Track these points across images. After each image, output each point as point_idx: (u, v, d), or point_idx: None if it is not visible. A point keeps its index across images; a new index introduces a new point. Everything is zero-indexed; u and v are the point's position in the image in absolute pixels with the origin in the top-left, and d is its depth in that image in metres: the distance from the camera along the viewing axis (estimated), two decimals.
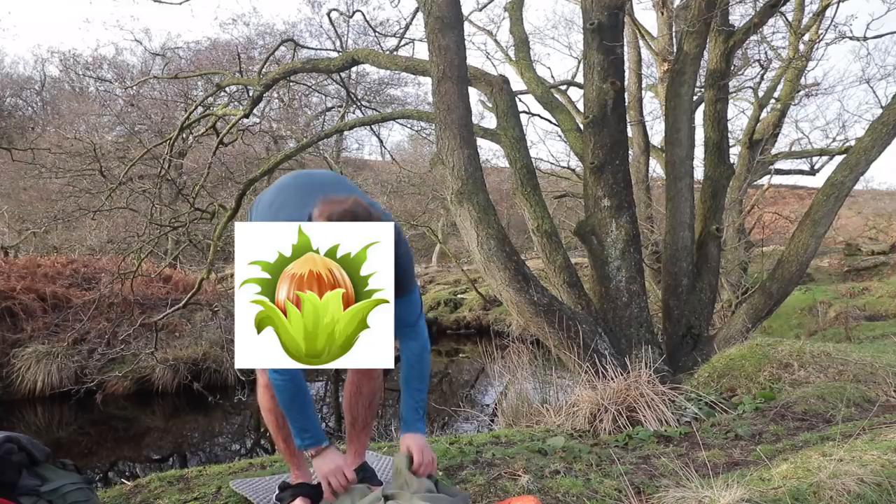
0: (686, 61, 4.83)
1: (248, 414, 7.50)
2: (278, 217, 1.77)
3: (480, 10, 11.92)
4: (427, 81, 9.48)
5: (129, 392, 7.88)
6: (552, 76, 22.63)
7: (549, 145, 54.38)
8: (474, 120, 4.55)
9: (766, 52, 9.65)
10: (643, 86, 10.28)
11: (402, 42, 8.56)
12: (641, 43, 10.11)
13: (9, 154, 10.61)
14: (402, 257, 1.73)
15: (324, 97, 15.49)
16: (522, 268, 4.19)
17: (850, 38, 8.40)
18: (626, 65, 5.96)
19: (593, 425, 2.96)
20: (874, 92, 15.16)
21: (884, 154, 4.42)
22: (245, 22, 38.67)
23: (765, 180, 11.03)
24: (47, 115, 22.23)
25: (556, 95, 8.90)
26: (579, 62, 11.94)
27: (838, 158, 7.90)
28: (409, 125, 14.21)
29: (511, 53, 9.40)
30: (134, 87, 13.47)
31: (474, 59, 27.04)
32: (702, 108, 5.50)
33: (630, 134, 8.78)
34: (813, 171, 10.81)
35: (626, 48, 8.19)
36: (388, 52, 7.57)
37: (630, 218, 4.62)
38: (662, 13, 9.27)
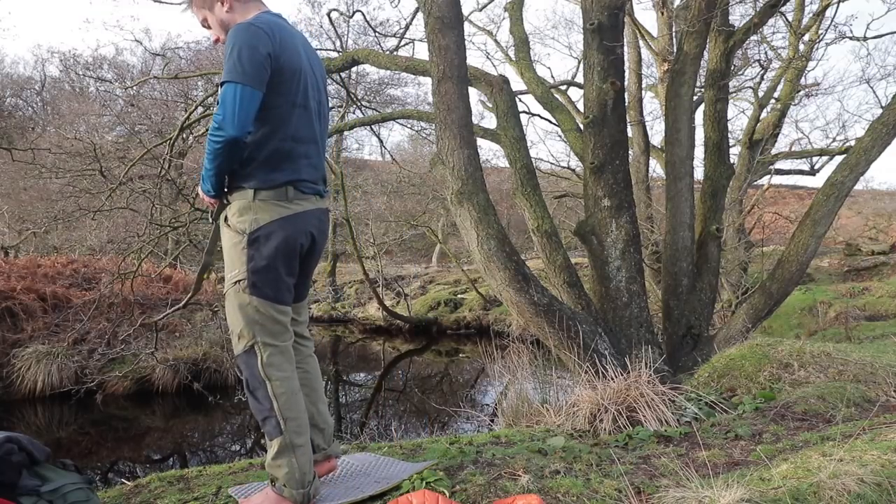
0: (686, 61, 4.83)
1: (248, 414, 7.49)
2: None
3: (480, 10, 11.92)
4: (427, 81, 9.48)
5: (129, 392, 7.88)
6: (552, 76, 22.68)
7: (549, 145, 54.43)
8: (474, 120, 4.55)
9: (766, 52, 9.67)
10: (643, 86, 10.28)
11: (402, 42, 8.58)
12: (641, 43, 10.11)
13: (9, 154, 10.61)
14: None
15: None
16: (522, 268, 4.19)
17: (850, 38, 8.41)
18: (626, 65, 5.96)
19: (593, 425, 2.96)
20: (874, 92, 15.22)
21: (884, 154, 4.43)
22: None
23: (765, 180, 11.05)
24: (47, 115, 22.23)
25: (556, 95, 8.91)
26: (579, 62, 11.96)
27: (838, 158, 7.92)
28: (409, 125, 14.22)
29: (511, 53, 9.41)
30: (134, 88, 13.47)
31: (474, 59, 27.06)
32: (702, 108, 5.50)
33: (630, 134, 8.78)
34: (813, 171, 10.82)
35: (626, 48, 8.19)
36: (388, 52, 7.58)
37: (630, 218, 4.62)
38: (662, 13, 9.27)
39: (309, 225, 2.02)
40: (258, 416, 1.96)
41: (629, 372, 3.25)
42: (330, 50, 13.18)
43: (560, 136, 12.88)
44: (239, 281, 1.92)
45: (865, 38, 8.77)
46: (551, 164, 13.57)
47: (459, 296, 14.90)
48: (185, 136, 8.92)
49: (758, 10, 5.56)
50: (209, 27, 2.07)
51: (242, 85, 1.78)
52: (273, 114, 1.90)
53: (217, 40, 2.06)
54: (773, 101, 10.03)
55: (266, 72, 1.83)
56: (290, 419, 1.92)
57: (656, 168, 11.03)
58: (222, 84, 1.80)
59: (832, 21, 10.65)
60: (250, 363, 1.93)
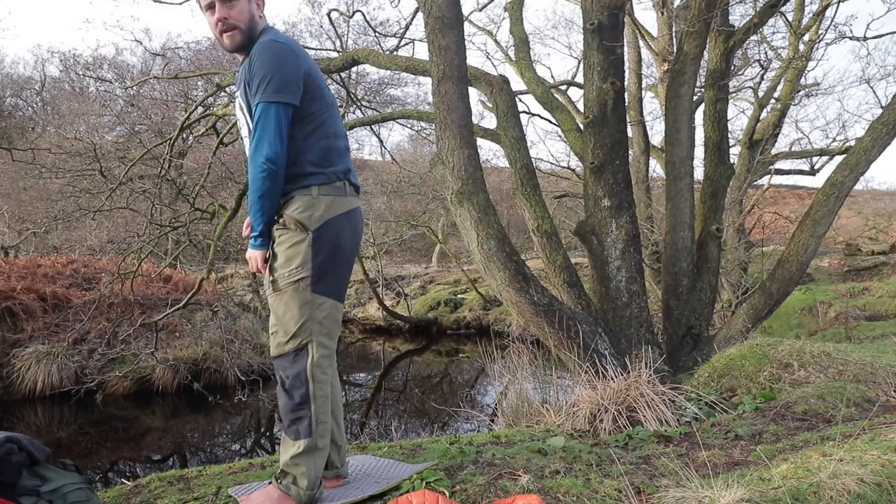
0: (686, 61, 4.83)
1: (248, 414, 7.50)
2: None
3: (480, 10, 11.89)
4: (427, 81, 9.48)
5: (129, 392, 7.88)
6: (552, 76, 22.67)
7: (549, 145, 54.38)
8: (474, 120, 4.55)
9: (766, 52, 9.67)
10: (643, 86, 10.27)
11: (402, 42, 8.57)
12: (641, 43, 10.11)
13: (9, 154, 10.62)
14: None
15: None
16: (522, 268, 4.19)
17: (850, 38, 8.41)
18: (626, 65, 5.95)
19: (593, 425, 2.96)
20: (874, 92, 15.21)
21: (884, 154, 4.43)
22: None
23: (765, 180, 11.05)
24: (47, 115, 22.24)
25: (556, 95, 8.90)
26: (579, 62, 11.95)
27: (838, 158, 7.92)
28: (409, 125, 14.20)
29: (511, 53, 9.41)
30: (134, 88, 13.47)
31: (474, 59, 27.07)
32: (702, 108, 5.50)
33: (630, 134, 8.78)
34: (813, 171, 10.82)
35: (626, 48, 8.19)
36: (388, 52, 7.58)
37: (630, 218, 4.62)
38: (662, 13, 9.27)
39: (360, 221, 2.10)
40: (289, 415, 1.94)
41: (629, 372, 3.25)
42: (330, 50, 13.17)
43: (560, 136, 12.89)
44: (302, 278, 1.92)
45: (865, 38, 8.76)
46: (551, 164, 13.57)
47: (459, 296, 14.90)
48: (185, 136, 8.92)
49: (758, 10, 5.56)
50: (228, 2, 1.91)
51: (278, 105, 1.86)
52: (317, 118, 1.98)
53: (224, 19, 1.91)
54: (773, 101, 10.03)
55: (299, 85, 1.91)
56: (322, 423, 1.94)
57: (656, 168, 11.03)
58: (257, 105, 1.86)
59: (832, 21, 10.68)
60: (299, 362, 1.92)
